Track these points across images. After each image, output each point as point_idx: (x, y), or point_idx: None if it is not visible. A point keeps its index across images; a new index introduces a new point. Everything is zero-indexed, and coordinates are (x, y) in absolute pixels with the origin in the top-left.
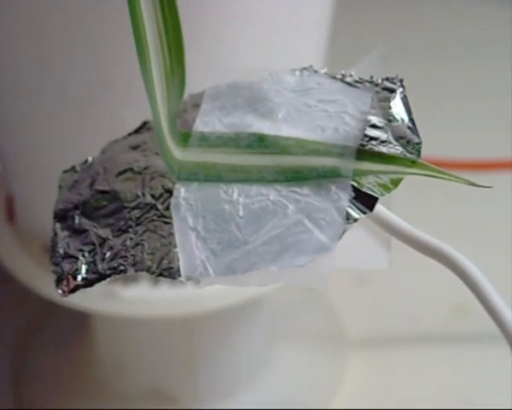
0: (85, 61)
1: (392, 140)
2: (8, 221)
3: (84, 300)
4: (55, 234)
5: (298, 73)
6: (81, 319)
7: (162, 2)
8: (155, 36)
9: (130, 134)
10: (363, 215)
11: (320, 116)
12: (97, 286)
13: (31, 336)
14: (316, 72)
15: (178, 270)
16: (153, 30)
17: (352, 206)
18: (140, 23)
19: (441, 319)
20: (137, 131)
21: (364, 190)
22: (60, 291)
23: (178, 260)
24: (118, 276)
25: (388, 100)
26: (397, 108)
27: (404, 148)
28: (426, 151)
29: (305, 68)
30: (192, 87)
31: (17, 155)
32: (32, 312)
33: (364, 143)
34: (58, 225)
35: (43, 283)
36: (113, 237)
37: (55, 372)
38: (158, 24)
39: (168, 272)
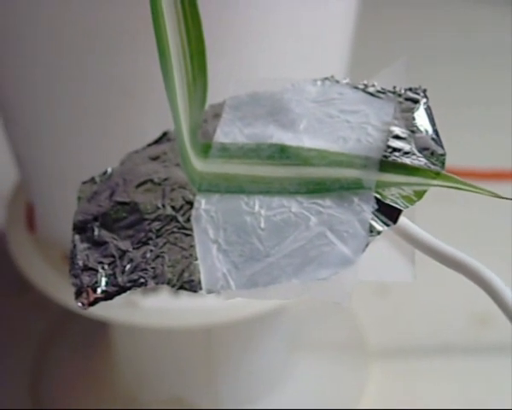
0: (105, 71)
1: (416, 151)
2: (28, 230)
3: (103, 309)
4: (75, 246)
5: (319, 83)
6: (100, 328)
7: (185, 12)
8: (178, 45)
9: (149, 145)
10: (386, 228)
11: (342, 127)
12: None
13: (50, 343)
14: (337, 82)
15: (199, 283)
16: (175, 39)
17: (375, 218)
18: (163, 32)
19: (462, 329)
20: (157, 141)
21: (388, 202)
22: (79, 304)
23: (199, 272)
24: (138, 289)
25: (411, 110)
26: (421, 119)
27: (427, 159)
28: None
29: (326, 78)
30: (213, 97)
31: (37, 164)
32: (51, 320)
33: (387, 154)
34: (77, 237)
35: (62, 291)
36: (133, 249)
37: (73, 380)
38: (180, 33)
39: (189, 285)
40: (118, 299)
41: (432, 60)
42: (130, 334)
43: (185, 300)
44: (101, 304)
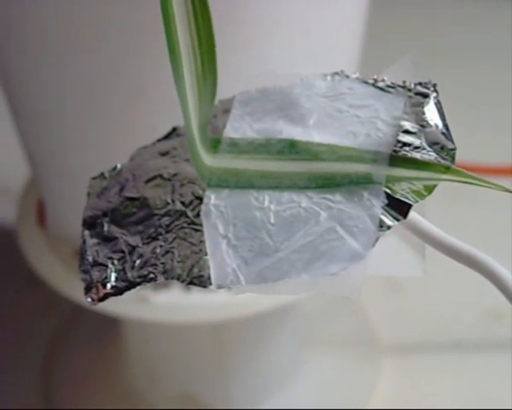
0: (114, 67)
1: (426, 146)
2: (38, 225)
3: (114, 304)
4: (84, 241)
5: (329, 77)
6: (111, 323)
7: (195, 7)
8: (188, 41)
9: (159, 140)
10: (396, 222)
11: (352, 122)
12: (128, 292)
13: (61, 339)
14: (347, 76)
15: (209, 278)
16: (185, 35)
17: (385, 213)
18: (173, 28)
19: (473, 325)
20: (167, 137)
21: (398, 196)
22: (89, 299)
23: (209, 268)
24: (148, 284)
25: (421, 105)
26: (431, 113)
27: (437, 154)
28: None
29: (336, 73)
30: (222, 92)
31: (47, 160)
32: (61, 315)
33: (397, 149)
34: (87, 233)
35: (73, 287)
36: (143, 244)
37: (84, 376)
38: (190, 29)
39: (199, 281)
40: (128, 295)
41: (442, 58)
42: (141, 330)
43: (196, 296)
44: (112, 300)
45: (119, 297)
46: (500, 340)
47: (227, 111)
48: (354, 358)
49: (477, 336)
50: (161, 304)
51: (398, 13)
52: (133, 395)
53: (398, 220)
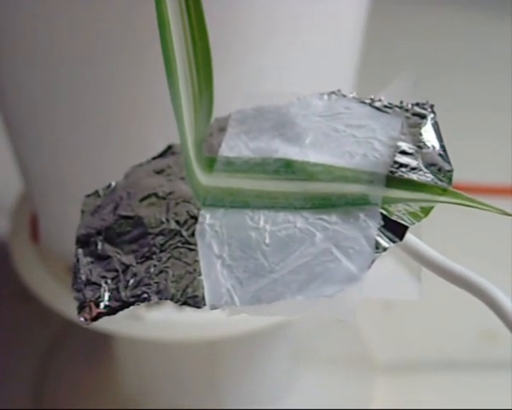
0: (106, 83)
1: (423, 167)
2: (31, 240)
3: (106, 321)
4: (78, 260)
5: (326, 97)
6: (103, 338)
7: (192, 24)
8: (184, 58)
9: (154, 158)
10: (392, 244)
11: (348, 142)
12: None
13: (52, 355)
14: (344, 96)
15: (203, 298)
16: (182, 52)
17: (381, 234)
18: (169, 45)
19: (468, 344)
20: (162, 155)
21: (394, 218)
22: (82, 319)
23: (203, 288)
24: (141, 304)
25: (419, 126)
26: (428, 134)
27: (434, 175)
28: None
29: (333, 92)
30: (218, 110)
31: (39, 175)
32: (53, 331)
33: (394, 169)
34: (80, 251)
35: (65, 303)
36: (137, 263)
37: (75, 392)
38: (187, 46)
39: (193, 301)
40: (121, 312)
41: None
42: (133, 346)
43: (189, 313)
44: (106, 318)
45: None
46: (495, 360)
47: (223, 129)
48: (348, 376)
49: (472, 355)
50: (154, 321)
51: (396, 23)
52: None
53: (394, 242)
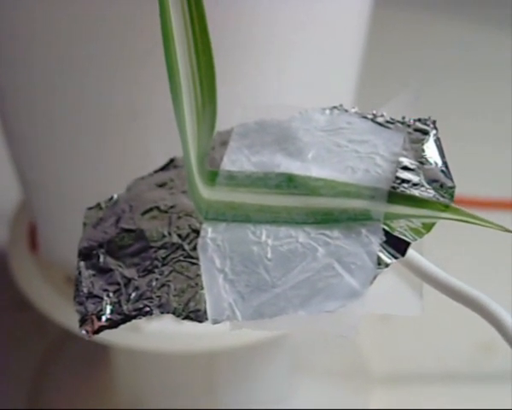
0: (106, 91)
1: (425, 183)
2: (30, 249)
3: (105, 332)
4: (80, 273)
5: (328, 111)
6: (101, 349)
7: (195, 38)
8: (188, 71)
9: (156, 171)
10: (394, 260)
11: (350, 157)
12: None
13: (49, 364)
14: (346, 111)
15: (205, 313)
16: (185, 65)
17: (383, 250)
18: (173, 58)
19: (467, 357)
20: (164, 168)
21: (396, 234)
22: (84, 332)
23: (205, 302)
24: (143, 317)
25: (421, 142)
26: (430, 150)
27: (436, 191)
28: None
29: (335, 107)
30: (221, 124)
31: (38, 185)
32: (50, 340)
33: (396, 185)
34: (82, 264)
35: (63, 313)
36: (139, 277)
37: (71, 401)
38: (191, 59)
39: (195, 315)
40: None
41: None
42: (130, 357)
43: (188, 325)
44: None
45: None
46: (493, 372)
47: (225, 143)
48: (345, 388)
49: (470, 368)
50: (152, 333)
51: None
52: None
53: (396, 258)
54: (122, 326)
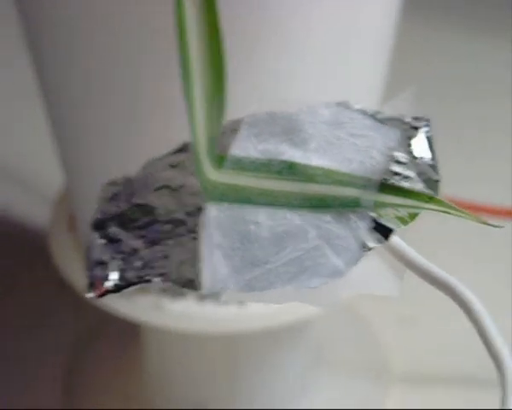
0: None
1: (415, 176)
2: (70, 232)
3: (133, 311)
4: (91, 241)
5: (333, 106)
6: (135, 330)
7: (209, 27)
8: (200, 59)
9: (170, 153)
10: (378, 245)
11: (349, 149)
12: (146, 298)
13: (85, 344)
14: (350, 107)
15: (201, 282)
16: (197, 51)
17: (368, 235)
18: (185, 45)
19: (487, 360)
20: (178, 150)
21: (382, 221)
22: (90, 295)
23: (202, 273)
24: (145, 285)
25: (414, 138)
26: (421, 146)
27: (424, 184)
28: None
29: (340, 103)
30: (235, 112)
31: (75, 168)
32: (88, 320)
33: (388, 177)
34: (94, 234)
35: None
36: (145, 248)
37: (104, 381)
38: (203, 47)
39: (192, 284)
40: (147, 301)
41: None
42: (158, 337)
43: (210, 307)
44: (132, 306)
45: (137, 303)
46: None
47: (235, 131)
48: (363, 383)
49: (489, 372)
50: (176, 312)
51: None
52: (149, 401)
53: (380, 243)
54: (148, 306)
